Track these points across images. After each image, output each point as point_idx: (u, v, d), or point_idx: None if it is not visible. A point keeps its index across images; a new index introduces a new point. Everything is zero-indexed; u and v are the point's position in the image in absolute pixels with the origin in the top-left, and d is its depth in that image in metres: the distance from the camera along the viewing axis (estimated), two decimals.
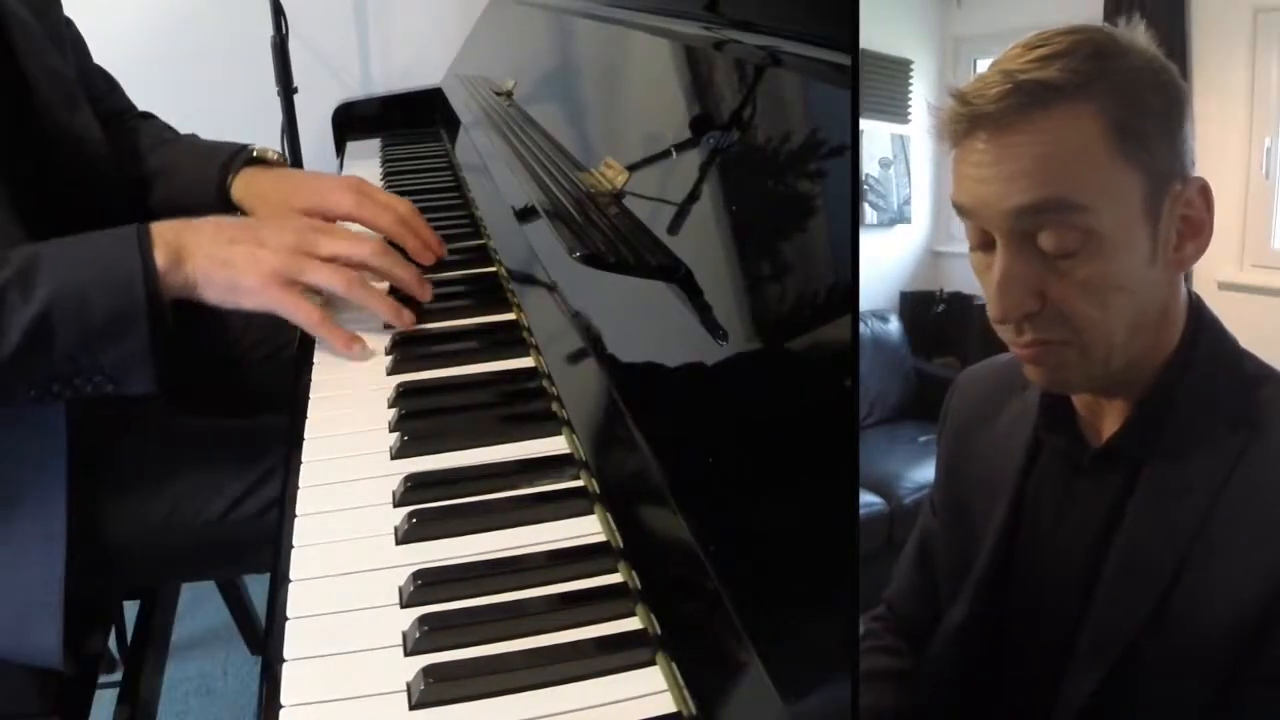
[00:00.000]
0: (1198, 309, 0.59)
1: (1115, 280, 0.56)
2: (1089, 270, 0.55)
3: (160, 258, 0.83)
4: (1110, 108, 0.55)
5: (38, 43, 1.02)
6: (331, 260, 0.90)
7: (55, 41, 1.07)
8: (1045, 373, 0.60)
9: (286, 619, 0.59)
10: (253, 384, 1.21)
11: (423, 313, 0.98)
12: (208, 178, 1.14)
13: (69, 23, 1.18)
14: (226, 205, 1.14)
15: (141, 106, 1.38)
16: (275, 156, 1.18)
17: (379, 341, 0.94)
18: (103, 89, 1.28)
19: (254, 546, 0.96)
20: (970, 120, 0.57)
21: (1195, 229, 0.57)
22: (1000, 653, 0.63)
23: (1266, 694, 0.53)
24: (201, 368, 1.16)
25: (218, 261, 0.86)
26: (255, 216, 1.12)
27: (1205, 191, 0.57)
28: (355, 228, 1.04)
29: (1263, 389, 0.57)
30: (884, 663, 0.64)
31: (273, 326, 1.21)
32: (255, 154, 1.16)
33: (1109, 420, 0.61)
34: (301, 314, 0.89)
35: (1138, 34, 0.57)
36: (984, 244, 0.57)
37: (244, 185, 1.14)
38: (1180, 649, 0.54)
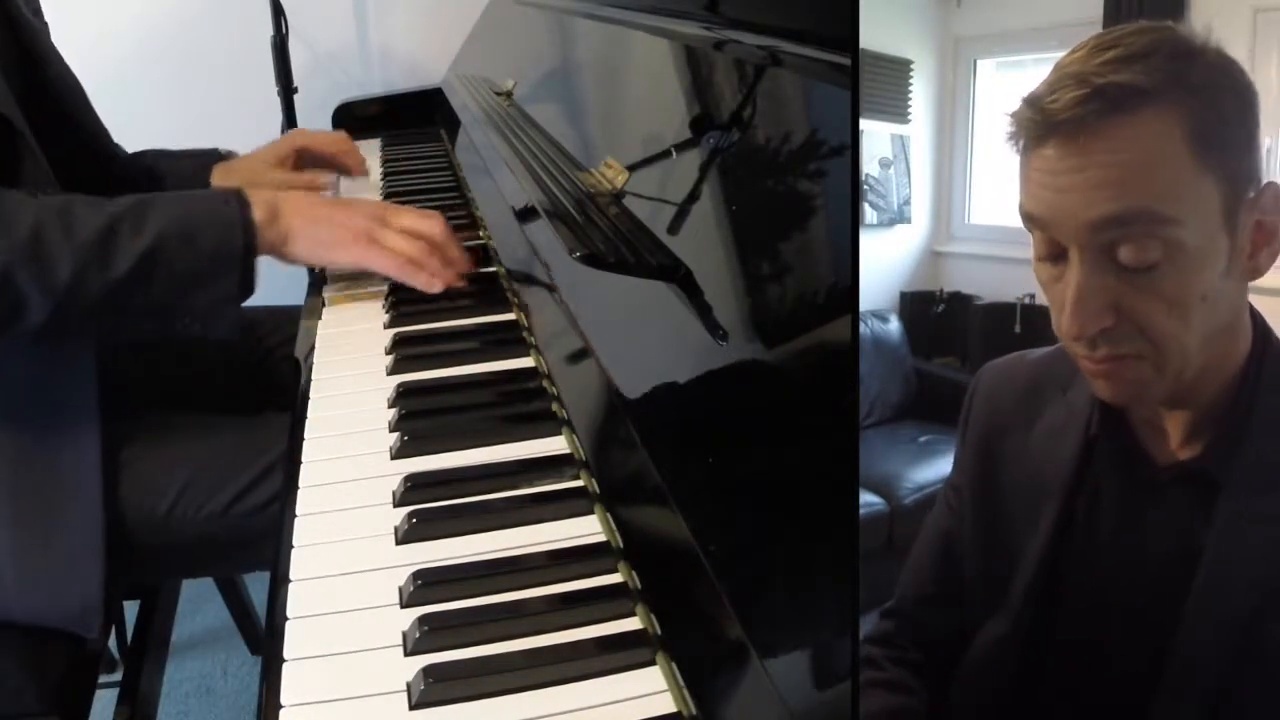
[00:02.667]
0: (1261, 321, 0.57)
1: (1196, 292, 0.53)
2: (1171, 283, 0.52)
3: (258, 213, 0.94)
4: (1191, 112, 0.52)
5: (50, 43, 1.06)
6: (403, 232, 1.01)
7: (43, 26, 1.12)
8: (1116, 387, 0.57)
9: (286, 619, 0.59)
10: (256, 379, 1.22)
11: (423, 313, 0.99)
12: (191, 175, 1.29)
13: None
14: None
15: (142, 106, 1.39)
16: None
17: (379, 342, 0.94)
18: None
19: (255, 542, 0.97)
20: (1045, 127, 0.53)
21: (1269, 235, 0.55)
22: (1044, 671, 0.61)
23: None
24: (217, 362, 1.18)
25: (310, 219, 0.98)
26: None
27: (1279, 196, 0.54)
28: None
29: None
30: (888, 701, 0.62)
31: (275, 323, 1.22)
32: (224, 154, 1.35)
33: (1172, 431, 0.58)
34: (387, 261, 1.00)
35: (1208, 34, 0.55)
36: (1054, 255, 0.54)
37: (222, 178, 1.30)
38: (1277, 678, 0.52)
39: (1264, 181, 0.55)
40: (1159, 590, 0.55)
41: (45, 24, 1.17)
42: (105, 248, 0.87)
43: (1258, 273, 0.55)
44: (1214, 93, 0.53)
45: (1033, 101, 0.54)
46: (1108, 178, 0.52)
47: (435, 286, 1.01)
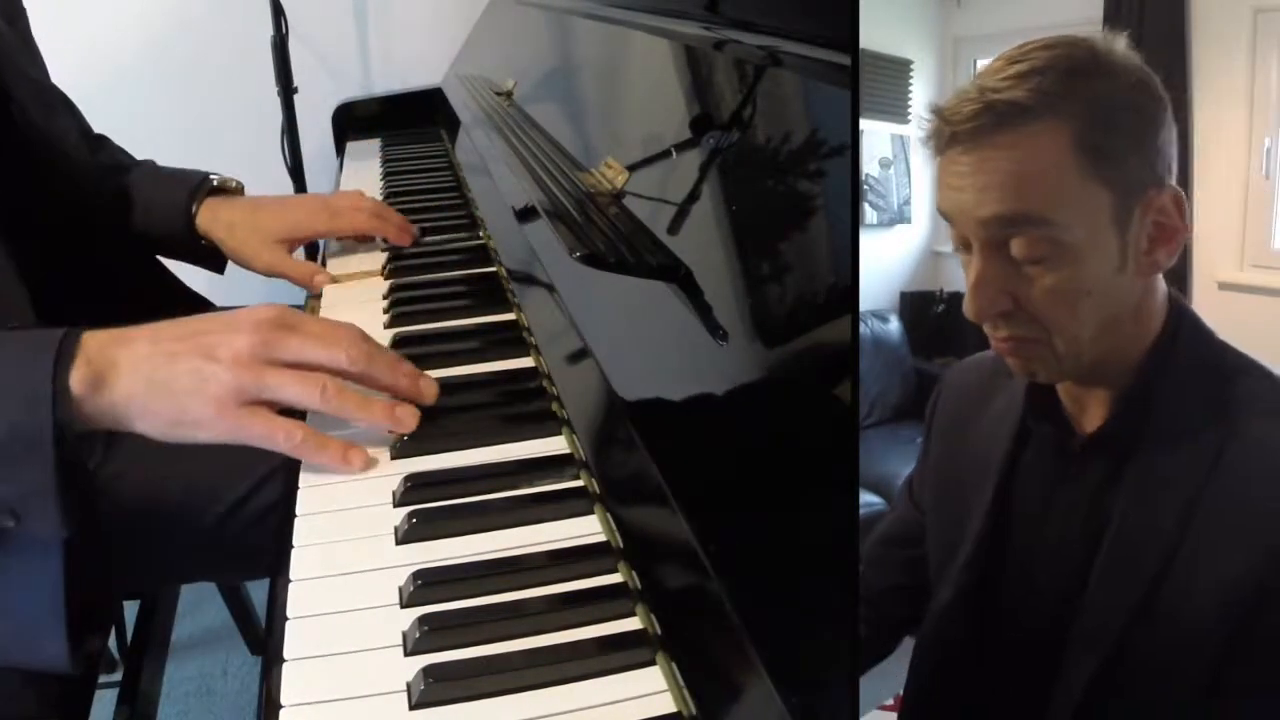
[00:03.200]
0: (1178, 305, 0.62)
1: (1082, 285, 0.58)
2: (1056, 277, 0.58)
3: (78, 377, 0.67)
4: (1080, 127, 0.58)
5: (11, 49, 1.01)
6: (298, 367, 0.72)
7: (28, 49, 1.07)
8: (1021, 364, 0.62)
9: (286, 619, 0.59)
10: None
11: (423, 313, 0.99)
12: (176, 204, 1.13)
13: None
14: (193, 235, 1.13)
15: (142, 106, 1.38)
16: (235, 185, 1.17)
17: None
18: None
19: (252, 553, 0.95)
20: (946, 136, 0.59)
21: (1168, 235, 0.60)
22: (983, 636, 0.65)
23: (1257, 682, 0.54)
24: None
25: (156, 386, 0.69)
26: (225, 248, 1.13)
27: (1178, 200, 0.59)
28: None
29: (1242, 381, 0.59)
30: None
31: None
32: (216, 183, 1.15)
33: (1093, 409, 0.63)
34: (278, 438, 0.71)
35: (1118, 46, 0.60)
36: (965, 246, 0.60)
37: (210, 215, 1.13)
38: (1172, 639, 0.56)
39: (1166, 183, 0.59)
40: (1076, 554, 0.60)
41: (22, 30, 1.12)
42: None
43: (1156, 267, 0.61)
44: (1109, 108, 0.58)
45: (938, 112, 0.59)
46: (996, 182, 0.58)
47: (353, 461, 0.73)
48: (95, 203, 1.08)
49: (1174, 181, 0.60)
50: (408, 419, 0.76)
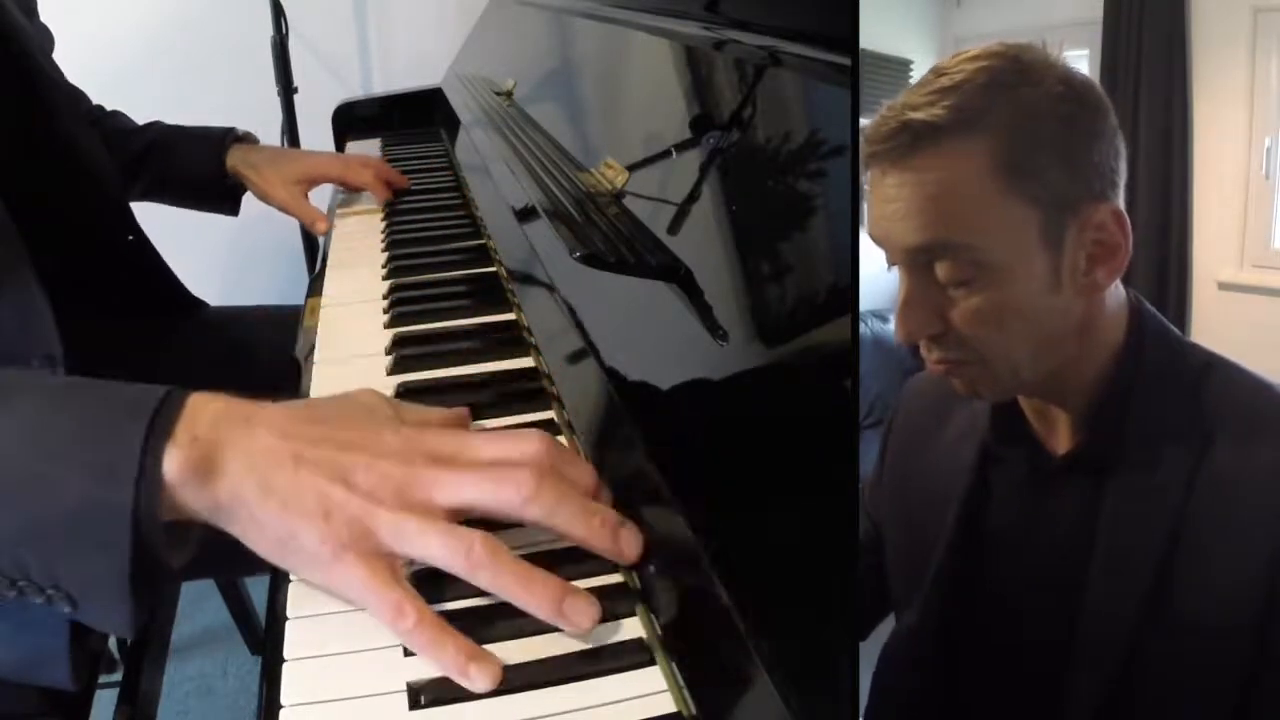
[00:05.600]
0: (1138, 313, 0.60)
1: (1009, 306, 0.57)
2: (982, 299, 0.57)
3: (177, 459, 0.52)
4: (998, 144, 0.55)
5: (36, 48, 1.02)
6: (455, 510, 0.55)
7: (46, 46, 1.08)
8: (964, 385, 0.61)
9: (286, 619, 0.59)
10: (256, 380, 1.21)
11: (423, 313, 0.99)
12: (208, 147, 1.30)
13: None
14: (222, 174, 1.31)
15: (142, 106, 1.39)
16: (255, 138, 1.38)
17: (379, 342, 0.94)
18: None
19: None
20: (870, 157, 0.58)
21: (1108, 253, 0.57)
22: (957, 658, 0.64)
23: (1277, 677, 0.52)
24: (216, 361, 1.17)
25: (267, 494, 0.53)
26: (250, 183, 1.32)
27: (1119, 216, 0.57)
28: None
29: (1212, 378, 0.57)
30: None
31: (275, 323, 1.21)
32: (241, 134, 1.35)
33: (1061, 427, 0.61)
34: (385, 615, 0.53)
35: (1048, 55, 0.57)
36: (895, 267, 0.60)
37: (239, 157, 1.31)
38: (1183, 644, 0.54)
39: (1107, 199, 0.57)
40: (1061, 573, 0.58)
41: (43, 26, 1.16)
42: None
43: (1097, 288, 0.58)
44: (1032, 122, 0.56)
45: (864, 131, 0.59)
46: (916, 208, 0.57)
47: (484, 671, 0.51)
48: (114, 203, 1.13)
49: (1120, 196, 0.57)
50: (589, 615, 0.54)
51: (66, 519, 0.51)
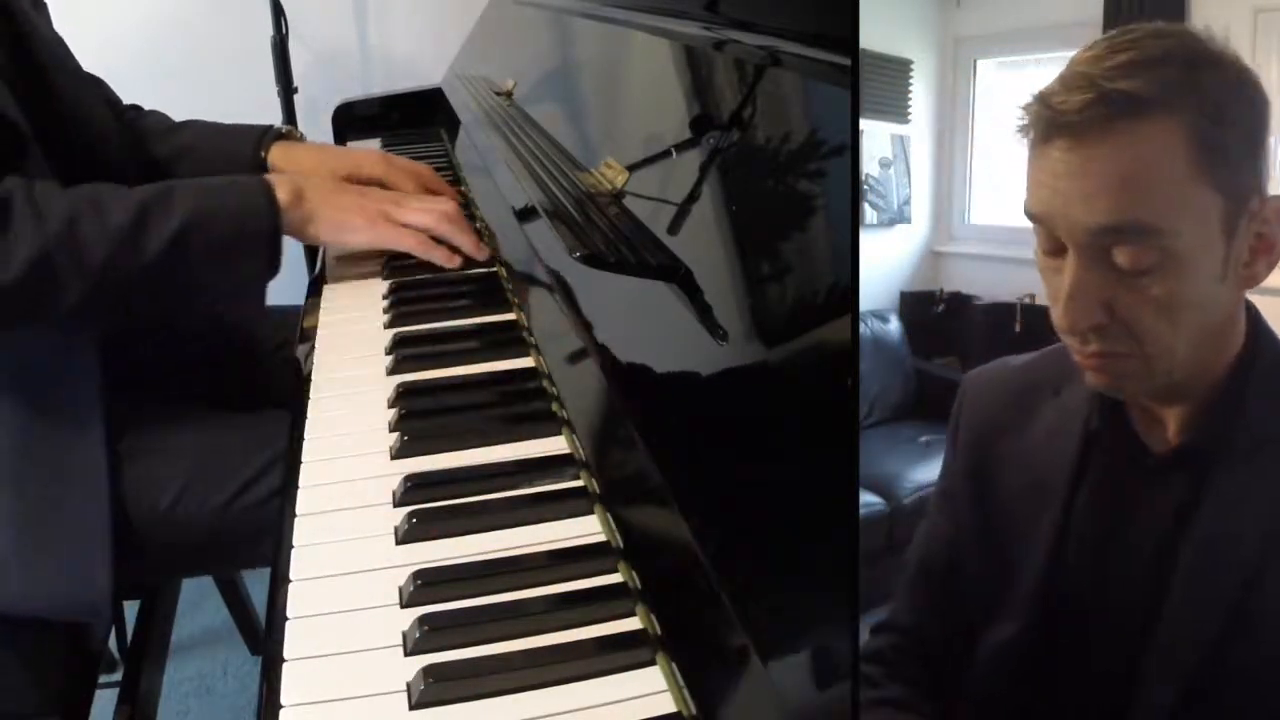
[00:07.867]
0: (1255, 316, 0.58)
1: (1187, 298, 0.54)
2: (1163, 288, 0.53)
3: (282, 195, 1.00)
4: (1197, 123, 0.52)
5: (40, 26, 1.04)
6: (418, 211, 1.07)
7: (48, 27, 1.10)
8: (1104, 379, 0.58)
9: (286, 619, 0.59)
10: (256, 380, 1.22)
11: (423, 313, 0.99)
12: (238, 152, 1.30)
13: None
14: (260, 170, 1.27)
15: (142, 106, 1.38)
16: (299, 135, 1.39)
17: (379, 342, 0.94)
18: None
19: (258, 537, 0.97)
20: (1052, 126, 0.54)
21: (1268, 246, 0.55)
22: (1057, 669, 0.61)
23: None
24: (218, 359, 1.18)
25: (331, 203, 1.05)
26: None
27: (1278, 211, 0.55)
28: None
29: None
30: (894, 719, 0.62)
31: (275, 323, 1.22)
32: (284, 131, 1.35)
33: (1169, 425, 0.59)
34: (407, 240, 1.07)
35: (1225, 40, 0.55)
36: (1055, 250, 0.55)
37: (282, 154, 1.31)
38: (1265, 654, 0.53)
39: (1267, 192, 0.55)
40: (1150, 577, 0.56)
41: (45, 12, 1.17)
42: (136, 231, 0.90)
43: (1254, 280, 0.56)
44: (1224, 104, 0.53)
45: (1044, 98, 0.54)
46: (1106, 186, 0.53)
47: (454, 261, 1.07)
48: (125, 174, 1.14)
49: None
50: (484, 250, 1.11)
51: (235, 242, 0.97)
